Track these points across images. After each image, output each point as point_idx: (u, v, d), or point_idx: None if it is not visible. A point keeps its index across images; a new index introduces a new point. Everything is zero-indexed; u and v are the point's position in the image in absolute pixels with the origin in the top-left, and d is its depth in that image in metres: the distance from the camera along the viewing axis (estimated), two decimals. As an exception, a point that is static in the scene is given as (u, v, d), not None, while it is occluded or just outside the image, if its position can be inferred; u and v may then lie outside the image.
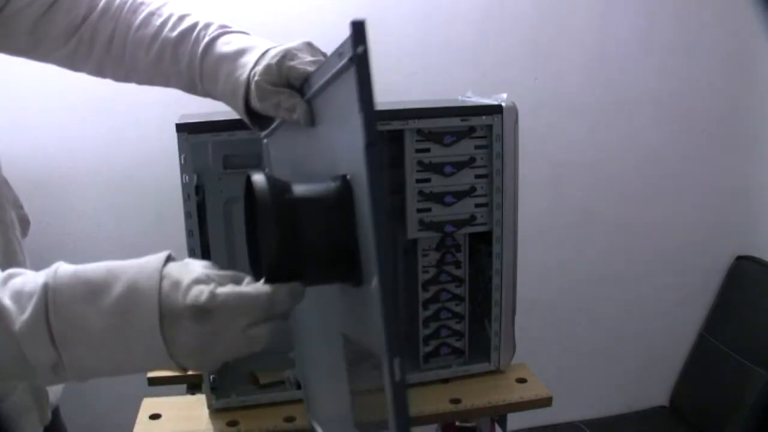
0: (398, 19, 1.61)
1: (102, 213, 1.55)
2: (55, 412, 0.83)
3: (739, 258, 1.97)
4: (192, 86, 0.74)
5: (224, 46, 0.70)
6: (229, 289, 0.48)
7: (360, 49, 0.44)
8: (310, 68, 0.62)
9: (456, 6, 1.64)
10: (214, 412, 0.94)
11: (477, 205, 0.97)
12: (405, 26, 1.61)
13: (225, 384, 0.98)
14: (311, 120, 0.60)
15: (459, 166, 0.95)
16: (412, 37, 1.62)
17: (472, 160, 0.95)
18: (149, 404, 0.96)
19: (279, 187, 0.51)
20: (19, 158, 1.48)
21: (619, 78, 1.78)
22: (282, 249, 0.49)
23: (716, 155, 1.91)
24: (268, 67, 0.64)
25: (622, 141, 1.83)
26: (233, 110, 0.71)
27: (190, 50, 0.71)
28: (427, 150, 0.94)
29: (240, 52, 0.68)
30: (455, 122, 0.93)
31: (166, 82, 0.76)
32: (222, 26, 0.72)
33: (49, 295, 0.46)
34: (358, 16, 0.43)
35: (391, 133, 0.97)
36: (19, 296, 0.47)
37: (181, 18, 0.73)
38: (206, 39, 0.70)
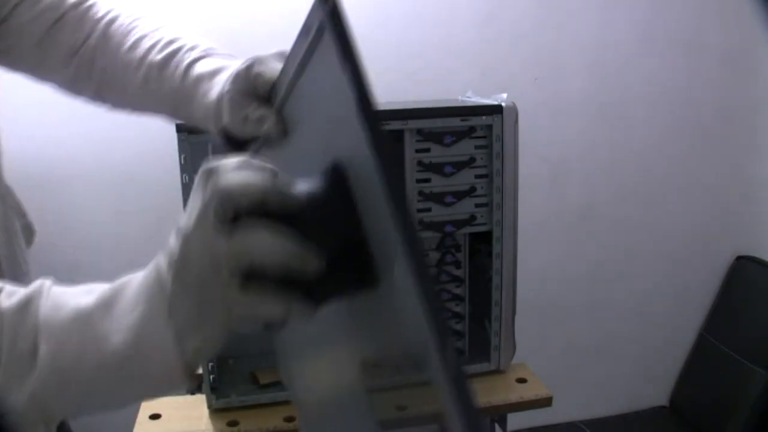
0: (398, 19, 1.61)
1: (102, 213, 1.55)
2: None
3: (739, 258, 1.97)
4: (176, 111, 0.71)
5: (203, 66, 0.67)
6: None
7: (330, 4, 0.37)
8: (275, 75, 0.58)
9: (456, 6, 1.64)
10: (214, 412, 0.94)
11: (477, 205, 0.97)
12: (405, 26, 1.61)
13: (225, 384, 0.98)
14: (283, 130, 0.56)
15: (459, 166, 0.95)
16: (412, 37, 1.62)
17: (472, 160, 0.95)
18: (149, 404, 0.96)
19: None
20: (19, 158, 1.48)
21: (619, 78, 1.78)
22: None
23: (716, 155, 1.91)
24: (236, 76, 0.60)
25: (622, 141, 1.83)
26: (211, 133, 0.66)
27: (173, 73, 0.69)
28: (427, 150, 0.94)
29: (217, 71, 0.65)
30: (455, 122, 0.93)
31: (153, 108, 0.73)
32: (206, 49, 0.69)
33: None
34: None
35: (391, 133, 0.96)
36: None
37: (170, 42, 0.71)
38: (187, 60, 0.68)
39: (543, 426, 1.87)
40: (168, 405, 0.96)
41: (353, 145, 0.37)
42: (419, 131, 0.93)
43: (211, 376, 0.94)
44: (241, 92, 0.60)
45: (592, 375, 1.93)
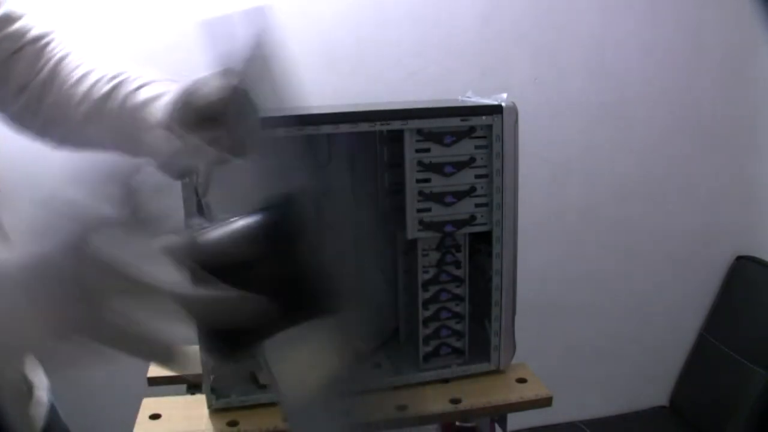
0: (398, 19, 1.61)
1: (102, 213, 1.55)
2: (52, 410, 0.82)
3: (739, 258, 1.97)
4: (121, 142, 0.67)
5: (146, 93, 0.65)
6: None
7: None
8: (215, 94, 0.56)
9: (456, 6, 1.64)
10: (214, 412, 0.94)
11: (477, 205, 0.97)
12: (405, 26, 1.61)
13: (225, 384, 0.98)
14: (239, 152, 0.54)
15: (459, 166, 0.95)
16: (412, 37, 1.62)
17: (472, 160, 0.95)
18: (149, 404, 0.96)
19: None
20: (19, 158, 1.48)
21: (619, 78, 1.78)
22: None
23: (716, 155, 1.91)
24: (176, 103, 0.58)
25: (622, 141, 1.83)
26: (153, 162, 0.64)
27: (114, 103, 0.67)
28: (427, 150, 0.94)
29: (159, 96, 0.63)
30: (455, 122, 0.93)
31: (98, 143, 0.70)
32: (150, 77, 0.68)
33: None
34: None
35: (391, 133, 0.97)
36: None
37: (115, 76, 0.69)
38: (130, 89, 0.66)
39: (543, 426, 1.87)
40: (168, 405, 0.96)
41: (293, 180, 0.39)
42: (419, 131, 0.93)
43: (211, 376, 0.94)
44: (183, 120, 0.58)
45: (592, 375, 1.93)
